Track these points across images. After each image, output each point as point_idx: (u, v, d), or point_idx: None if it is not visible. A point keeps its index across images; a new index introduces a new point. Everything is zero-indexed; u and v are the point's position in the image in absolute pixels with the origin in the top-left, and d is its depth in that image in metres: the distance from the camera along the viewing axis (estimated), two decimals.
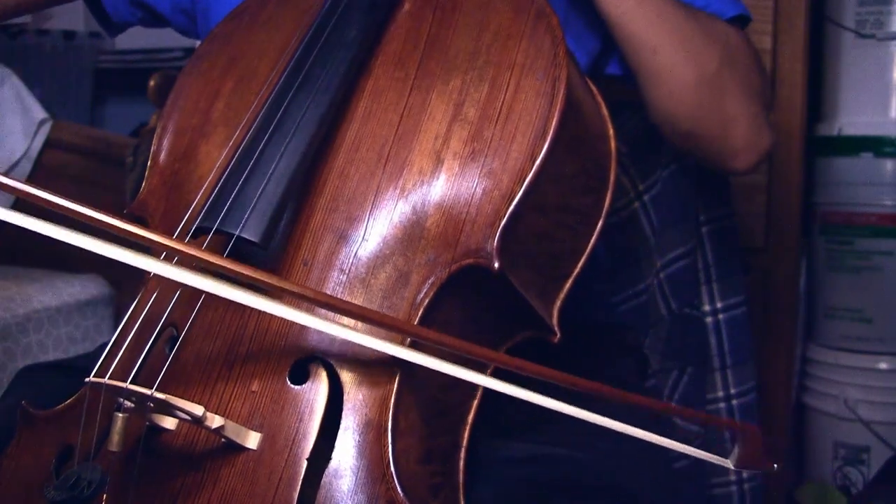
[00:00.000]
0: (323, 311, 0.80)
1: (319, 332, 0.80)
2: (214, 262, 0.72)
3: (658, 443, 0.81)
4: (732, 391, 1.45)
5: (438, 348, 0.77)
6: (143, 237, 0.70)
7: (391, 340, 0.78)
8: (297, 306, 0.78)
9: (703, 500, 1.46)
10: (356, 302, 0.81)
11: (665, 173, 1.40)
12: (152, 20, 1.33)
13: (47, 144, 2.20)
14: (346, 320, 0.79)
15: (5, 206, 0.72)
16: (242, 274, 0.72)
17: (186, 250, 0.71)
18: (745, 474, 1.46)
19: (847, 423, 1.88)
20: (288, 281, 0.80)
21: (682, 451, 0.80)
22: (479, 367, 0.81)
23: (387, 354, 0.78)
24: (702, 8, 1.11)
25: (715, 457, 0.81)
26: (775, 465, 0.81)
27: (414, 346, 0.79)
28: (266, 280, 0.73)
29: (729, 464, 0.81)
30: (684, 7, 1.06)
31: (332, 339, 0.80)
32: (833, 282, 1.98)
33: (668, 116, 1.08)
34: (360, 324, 0.80)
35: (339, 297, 0.82)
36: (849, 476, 1.89)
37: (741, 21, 1.16)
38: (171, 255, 0.79)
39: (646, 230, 1.42)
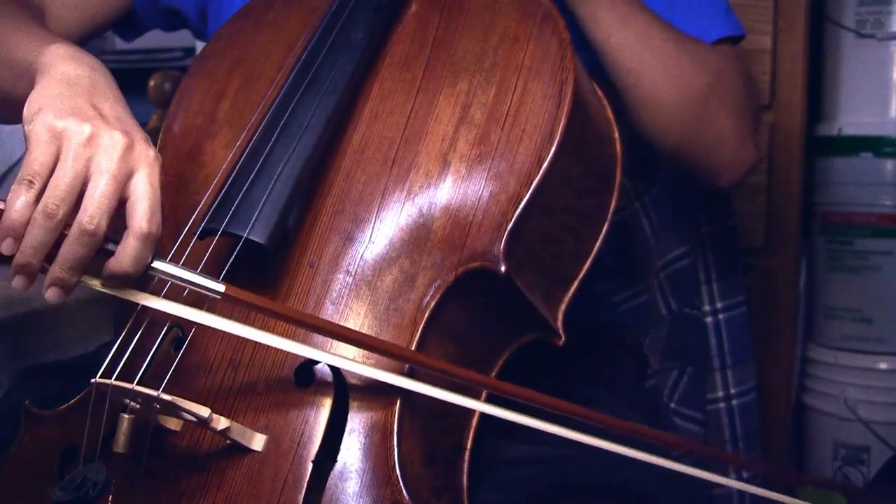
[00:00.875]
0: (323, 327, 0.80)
1: (324, 337, 0.80)
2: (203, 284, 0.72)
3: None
4: (732, 391, 1.45)
5: (436, 373, 0.77)
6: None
7: (390, 365, 0.78)
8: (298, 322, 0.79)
9: (703, 500, 1.45)
10: (362, 304, 0.81)
11: (665, 173, 1.40)
12: (176, 25, 1.33)
13: None
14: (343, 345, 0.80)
15: None
16: (244, 302, 0.73)
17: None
18: (745, 474, 1.47)
19: (847, 423, 1.88)
20: (286, 306, 0.81)
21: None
22: (475, 393, 0.82)
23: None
24: (694, 24, 1.10)
25: None
26: None
27: (412, 371, 0.79)
28: (264, 306, 0.73)
29: None
30: (671, 31, 1.06)
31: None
32: (833, 282, 1.98)
33: (652, 136, 1.08)
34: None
35: (344, 298, 0.82)
36: (849, 476, 1.88)
37: (733, 39, 1.16)
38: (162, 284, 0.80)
39: (646, 230, 1.42)
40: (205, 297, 0.76)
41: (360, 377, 0.79)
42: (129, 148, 0.76)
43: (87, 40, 1.23)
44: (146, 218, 0.74)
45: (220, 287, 0.74)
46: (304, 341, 0.79)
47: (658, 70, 1.03)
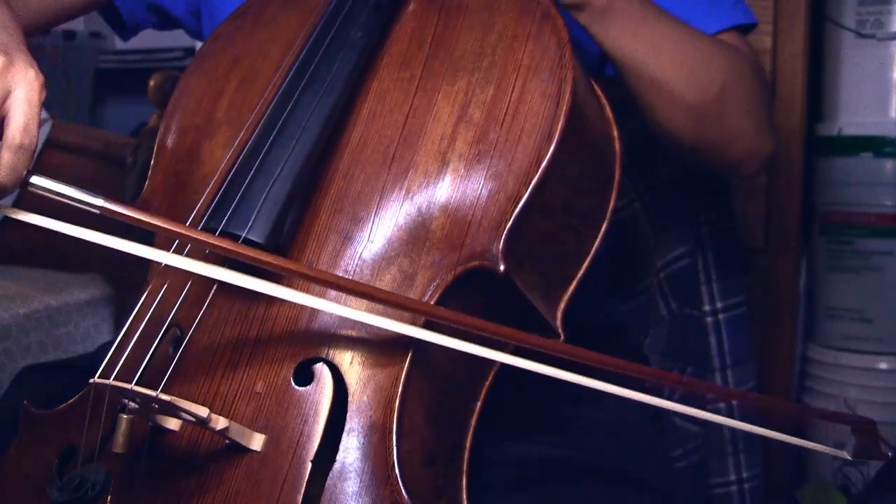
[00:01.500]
0: (332, 296, 0.80)
1: (323, 333, 0.80)
2: (226, 246, 0.72)
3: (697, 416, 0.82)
4: None
5: (452, 326, 0.77)
6: (159, 226, 0.71)
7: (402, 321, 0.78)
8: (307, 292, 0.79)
9: (702, 500, 1.46)
10: (361, 304, 0.81)
11: (665, 173, 1.40)
12: (166, 24, 1.33)
13: (47, 144, 2.19)
14: (355, 303, 0.79)
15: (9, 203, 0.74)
16: (255, 258, 0.73)
17: (200, 237, 0.72)
18: (744, 474, 1.47)
19: None
20: (299, 263, 0.81)
21: (783, 439, 0.82)
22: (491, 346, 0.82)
23: (391, 355, 0.78)
24: (705, 16, 1.10)
25: (831, 449, 0.82)
26: (890, 453, 0.83)
27: (427, 325, 0.79)
28: (279, 264, 0.73)
29: (846, 455, 0.82)
30: (685, 31, 1.05)
31: (337, 337, 0.80)
32: (833, 282, 1.98)
33: (669, 137, 1.08)
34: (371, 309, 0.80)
35: (343, 298, 0.81)
36: (849, 476, 1.88)
37: (744, 28, 1.16)
38: (180, 247, 0.80)
39: (646, 230, 1.42)
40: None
41: (360, 375, 0.79)
42: (5, 67, 0.77)
43: (56, 23, 1.24)
44: (20, 131, 0.75)
45: (98, 201, 0.74)
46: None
47: (675, 75, 1.03)
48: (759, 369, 1.49)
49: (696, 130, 1.06)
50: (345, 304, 0.80)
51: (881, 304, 1.92)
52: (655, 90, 1.03)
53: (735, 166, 1.14)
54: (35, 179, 0.76)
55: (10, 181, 0.75)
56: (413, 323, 0.79)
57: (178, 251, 0.81)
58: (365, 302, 0.79)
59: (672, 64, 1.03)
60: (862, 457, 0.81)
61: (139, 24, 1.34)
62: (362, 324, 0.79)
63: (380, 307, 0.78)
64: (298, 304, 0.80)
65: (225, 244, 0.74)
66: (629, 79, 1.04)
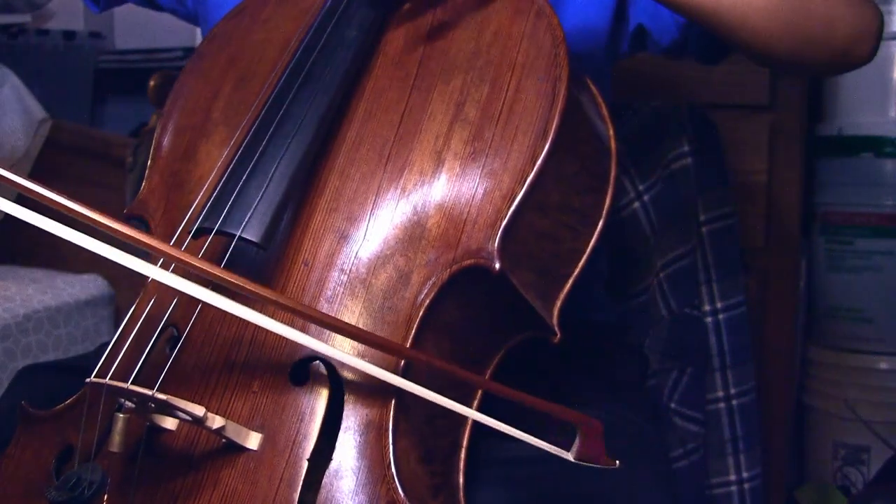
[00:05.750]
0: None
1: (320, 331, 0.79)
2: (211, 271, 0.71)
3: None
4: (732, 391, 1.45)
5: (430, 368, 0.77)
6: (143, 242, 0.70)
7: (385, 360, 0.78)
8: (293, 318, 0.78)
9: (702, 500, 1.46)
10: (357, 302, 0.81)
11: (665, 173, 1.40)
12: (149, 2, 1.32)
13: (47, 144, 2.20)
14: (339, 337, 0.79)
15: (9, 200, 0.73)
16: (238, 286, 0.72)
17: (183, 257, 0.71)
18: (744, 474, 1.47)
19: (847, 423, 1.88)
20: (284, 295, 0.80)
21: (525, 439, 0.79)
22: (469, 392, 0.82)
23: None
24: None
25: (554, 448, 0.80)
26: (617, 463, 0.81)
27: (407, 367, 0.79)
28: (262, 293, 0.73)
29: (569, 456, 0.80)
30: None
31: (334, 336, 0.80)
32: (833, 282, 1.98)
33: (766, 52, 1.03)
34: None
35: (339, 297, 0.82)
36: (849, 476, 1.88)
37: None
38: (168, 262, 0.80)
39: (646, 230, 1.42)
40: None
41: (356, 375, 0.79)
42: None
43: None
44: None
45: None
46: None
47: (760, 8, 0.98)
48: (759, 369, 1.50)
49: (788, 32, 1.01)
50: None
51: (881, 304, 1.92)
52: (749, 27, 0.99)
53: (843, 55, 1.07)
54: None
55: None
56: (395, 363, 0.79)
57: (166, 266, 0.81)
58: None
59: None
60: (583, 459, 0.79)
61: None
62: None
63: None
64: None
65: (217, 271, 0.72)
66: (722, 31, 1.00)
